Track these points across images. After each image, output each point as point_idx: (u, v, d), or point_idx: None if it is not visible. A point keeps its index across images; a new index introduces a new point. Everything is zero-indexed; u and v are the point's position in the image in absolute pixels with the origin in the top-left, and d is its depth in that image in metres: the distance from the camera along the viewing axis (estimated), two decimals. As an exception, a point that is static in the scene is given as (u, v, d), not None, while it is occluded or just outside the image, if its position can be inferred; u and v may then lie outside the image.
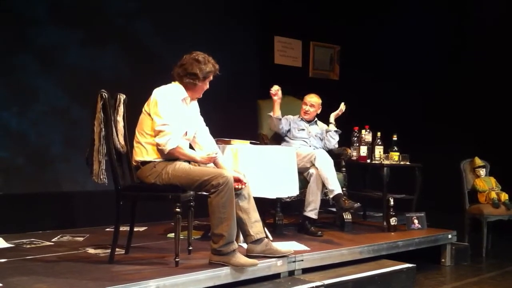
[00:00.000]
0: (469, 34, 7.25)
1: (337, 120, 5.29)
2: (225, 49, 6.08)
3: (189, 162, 3.65)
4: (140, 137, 3.59)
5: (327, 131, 5.25)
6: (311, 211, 4.75)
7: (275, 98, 4.94)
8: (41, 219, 4.82)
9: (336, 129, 5.24)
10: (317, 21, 7.22)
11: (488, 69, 6.79)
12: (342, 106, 5.28)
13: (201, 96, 3.76)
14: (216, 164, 3.71)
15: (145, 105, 3.60)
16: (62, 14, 5.17)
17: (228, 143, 4.23)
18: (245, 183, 3.61)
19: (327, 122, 5.31)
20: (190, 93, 3.67)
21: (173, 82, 3.67)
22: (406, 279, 4.26)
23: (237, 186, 3.55)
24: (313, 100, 5.24)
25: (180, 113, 3.58)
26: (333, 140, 5.22)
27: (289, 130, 5.19)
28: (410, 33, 7.33)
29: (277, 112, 5.04)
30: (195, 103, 3.82)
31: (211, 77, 3.66)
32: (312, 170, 4.76)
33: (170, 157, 3.53)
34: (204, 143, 3.82)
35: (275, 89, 4.90)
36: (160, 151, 3.51)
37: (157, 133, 3.47)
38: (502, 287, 4.43)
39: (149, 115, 3.53)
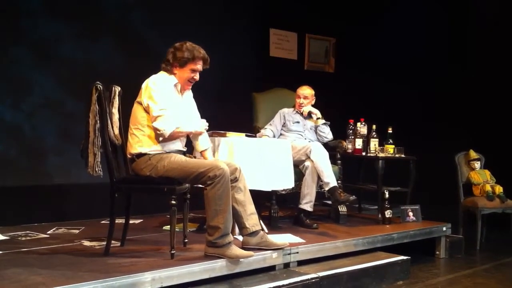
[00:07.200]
0: (466, 28, 7.25)
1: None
2: (220, 41, 6.07)
3: (184, 154, 3.65)
4: (133, 129, 3.57)
5: (316, 127, 5.21)
6: (307, 204, 4.77)
7: None
8: (36, 211, 4.82)
9: (324, 121, 5.20)
10: (313, 14, 7.21)
11: (484, 64, 6.79)
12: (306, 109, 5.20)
13: (190, 87, 3.72)
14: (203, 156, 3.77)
15: (138, 97, 3.59)
16: (57, 6, 5.14)
17: (224, 135, 4.22)
18: None
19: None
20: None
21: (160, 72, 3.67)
22: (400, 271, 4.29)
23: None
24: (306, 92, 5.23)
25: (173, 99, 3.58)
26: (324, 133, 5.19)
27: (284, 124, 5.20)
28: (406, 26, 7.31)
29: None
30: (189, 96, 3.81)
31: (196, 66, 3.60)
32: (307, 163, 4.77)
33: (169, 140, 3.52)
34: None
35: None
36: (159, 137, 3.48)
37: (154, 119, 3.45)
38: (495, 280, 4.45)
39: (141, 104, 3.52)
